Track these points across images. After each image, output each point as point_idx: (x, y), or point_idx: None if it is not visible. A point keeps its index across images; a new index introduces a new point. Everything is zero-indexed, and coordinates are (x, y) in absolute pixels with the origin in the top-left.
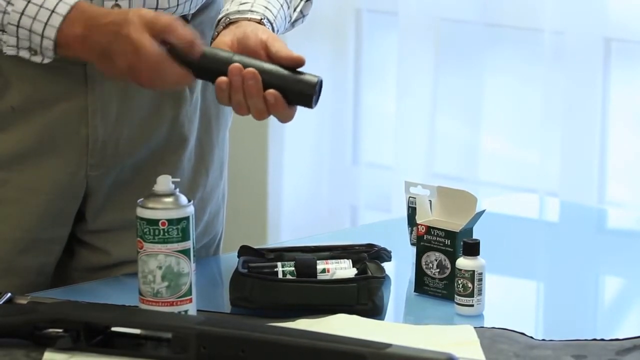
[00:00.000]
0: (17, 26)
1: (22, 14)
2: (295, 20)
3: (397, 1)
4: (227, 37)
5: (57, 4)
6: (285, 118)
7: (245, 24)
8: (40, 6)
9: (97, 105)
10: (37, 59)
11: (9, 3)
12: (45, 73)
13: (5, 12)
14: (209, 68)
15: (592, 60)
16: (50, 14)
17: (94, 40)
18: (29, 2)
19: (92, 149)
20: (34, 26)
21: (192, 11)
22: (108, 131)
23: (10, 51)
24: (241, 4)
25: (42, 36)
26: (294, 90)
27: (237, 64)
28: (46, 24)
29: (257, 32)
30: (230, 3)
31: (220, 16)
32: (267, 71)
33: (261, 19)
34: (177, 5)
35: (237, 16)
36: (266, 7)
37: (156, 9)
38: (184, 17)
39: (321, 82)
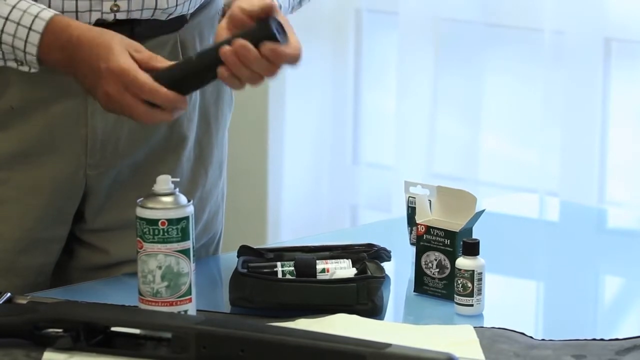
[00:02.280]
0: (0, 42)
1: (1, 31)
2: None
3: (397, 1)
4: (222, 23)
5: (33, 21)
6: (293, 59)
7: (235, 3)
8: (18, 24)
9: (97, 105)
10: (24, 68)
11: None
12: (45, 73)
13: None
14: (197, 72)
15: (592, 60)
16: (28, 32)
17: (74, 71)
18: (6, 20)
19: (91, 148)
20: (15, 43)
21: (191, 11)
22: (107, 131)
23: None
24: None
25: (25, 52)
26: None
27: (224, 48)
28: (26, 42)
29: (236, 3)
30: None
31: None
32: (238, 37)
33: None
34: (176, 5)
35: (228, 0)
36: None
37: (155, 9)
38: (183, 17)
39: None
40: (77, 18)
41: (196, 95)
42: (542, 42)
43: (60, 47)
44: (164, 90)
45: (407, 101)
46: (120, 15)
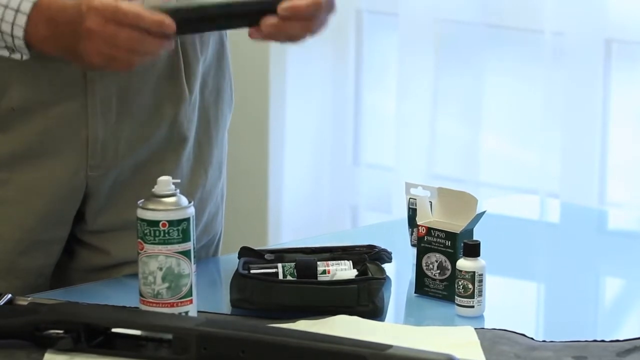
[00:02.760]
0: None
1: None
2: None
3: (398, 2)
4: None
5: (20, 3)
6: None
7: None
8: (6, 7)
9: (97, 106)
10: (16, 56)
11: None
12: (45, 74)
13: None
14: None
15: (593, 61)
16: (16, 14)
17: (60, 41)
18: None
19: (92, 149)
20: (2, 27)
21: None
22: (108, 132)
23: None
24: None
25: (12, 36)
26: None
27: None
28: (13, 24)
29: None
30: None
31: None
32: None
33: None
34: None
35: None
36: None
37: None
38: None
39: None
40: None
41: (196, 95)
42: (542, 43)
43: (45, 22)
44: (148, 12)
45: (407, 102)
46: None
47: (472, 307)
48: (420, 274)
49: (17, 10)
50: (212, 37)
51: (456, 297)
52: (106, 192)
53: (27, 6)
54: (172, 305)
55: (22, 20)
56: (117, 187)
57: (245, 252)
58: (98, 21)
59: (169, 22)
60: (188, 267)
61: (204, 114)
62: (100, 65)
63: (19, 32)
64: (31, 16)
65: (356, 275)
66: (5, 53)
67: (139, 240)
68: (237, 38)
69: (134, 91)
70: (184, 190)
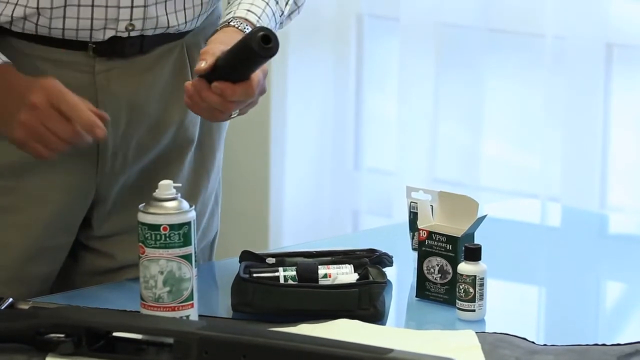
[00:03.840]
0: None
1: None
2: (291, 13)
3: (399, 6)
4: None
5: None
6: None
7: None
8: None
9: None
10: None
11: None
12: None
13: None
14: None
15: (594, 66)
16: None
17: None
18: None
19: (102, 157)
20: None
21: (199, 25)
22: (117, 141)
23: None
24: (227, 13)
25: None
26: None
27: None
28: None
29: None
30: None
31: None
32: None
33: (229, 21)
34: (186, 22)
35: (220, 24)
36: (248, 10)
37: (167, 27)
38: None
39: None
40: (90, 36)
41: None
42: (543, 48)
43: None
44: (86, 107)
45: (408, 106)
46: (134, 33)
47: (473, 311)
48: (421, 277)
49: None
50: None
51: (457, 301)
52: (114, 197)
53: None
54: (173, 309)
55: None
56: (124, 192)
57: (246, 256)
58: (43, 100)
59: (98, 124)
60: (189, 271)
61: None
62: (21, 139)
63: None
64: None
65: (357, 279)
66: None
67: (140, 244)
68: None
69: (142, 99)
70: (186, 194)
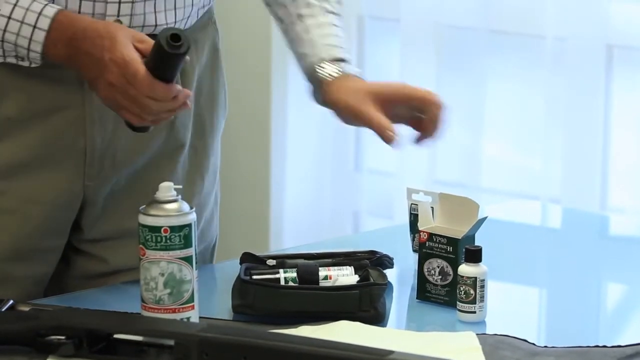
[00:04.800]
0: (2, 41)
1: (4, 30)
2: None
3: (399, 8)
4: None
5: (37, 19)
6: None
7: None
8: (22, 22)
9: (95, 116)
10: (24, 63)
11: None
12: (42, 84)
13: None
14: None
15: (594, 67)
16: (33, 30)
17: (81, 65)
18: (9, 18)
19: (89, 159)
20: (18, 41)
21: (188, 26)
22: (105, 141)
23: None
24: (335, 60)
25: (29, 49)
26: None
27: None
28: (30, 39)
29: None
30: (311, 46)
31: (308, 60)
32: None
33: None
34: (175, 22)
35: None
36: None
37: (155, 26)
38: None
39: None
40: None
41: (191, 101)
42: (544, 49)
43: (65, 43)
44: (161, 84)
45: None
46: None
47: (474, 312)
48: (421, 279)
49: (35, 27)
50: (206, 42)
51: (458, 302)
52: (103, 200)
53: (45, 23)
54: (173, 311)
55: (40, 36)
56: (114, 195)
57: (247, 257)
58: (120, 80)
59: (183, 94)
60: (190, 273)
61: (199, 120)
62: (110, 106)
63: (37, 48)
64: (50, 35)
65: (358, 281)
66: (13, 60)
67: (141, 246)
68: (238, 43)
69: None
70: (181, 197)
